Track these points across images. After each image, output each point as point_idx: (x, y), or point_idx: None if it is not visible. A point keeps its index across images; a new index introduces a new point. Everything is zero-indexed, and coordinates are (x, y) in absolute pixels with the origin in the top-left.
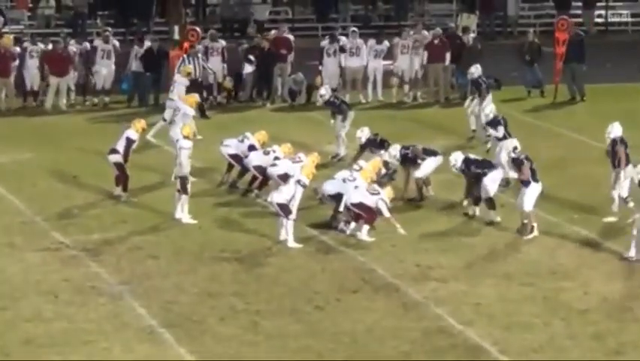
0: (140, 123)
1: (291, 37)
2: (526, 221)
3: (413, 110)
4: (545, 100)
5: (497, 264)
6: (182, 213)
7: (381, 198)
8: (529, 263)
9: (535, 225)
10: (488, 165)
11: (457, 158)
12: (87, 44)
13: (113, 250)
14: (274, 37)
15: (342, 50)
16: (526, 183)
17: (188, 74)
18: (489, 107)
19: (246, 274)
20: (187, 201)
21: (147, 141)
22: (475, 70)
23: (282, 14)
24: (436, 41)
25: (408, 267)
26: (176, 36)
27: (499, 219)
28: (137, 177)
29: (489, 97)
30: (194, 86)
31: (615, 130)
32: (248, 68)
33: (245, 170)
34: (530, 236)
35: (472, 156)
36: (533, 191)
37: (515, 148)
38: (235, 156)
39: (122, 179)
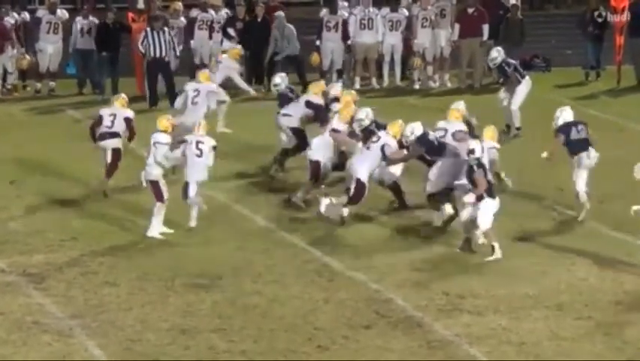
0: (169, 120)
1: None
2: (482, 241)
3: (439, 97)
4: (606, 85)
5: (547, 292)
6: (157, 224)
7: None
8: (587, 291)
9: (495, 245)
10: (439, 152)
11: (414, 129)
12: (26, 15)
13: (60, 275)
14: (266, 6)
15: (344, 21)
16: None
17: (240, 56)
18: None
19: (229, 306)
20: (163, 210)
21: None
22: (497, 53)
23: None
24: (470, 10)
25: (433, 296)
26: (141, 5)
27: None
28: (90, 182)
29: (524, 84)
30: (155, 68)
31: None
32: (227, 45)
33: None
34: (492, 258)
35: (432, 134)
36: (490, 207)
37: (472, 152)
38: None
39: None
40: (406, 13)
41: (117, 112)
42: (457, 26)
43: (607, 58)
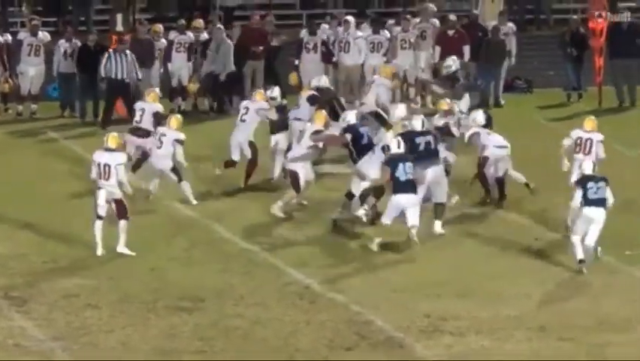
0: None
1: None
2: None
3: None
4: (587, 106)
5: (529, 313)
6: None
7: None
8: (570, 312)
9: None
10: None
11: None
12: (9, 37)
13: (42, 298)
14: (243, 29)
15: (324, 43)
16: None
17: (393, 75)
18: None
19: (211, 328)
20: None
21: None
22: (453, 62)
23: None
24: (450, 32)
25: (415, 317)
26: (119, 27)
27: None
28: (71, 205)
29: (465, 99)
30: (116, 90)
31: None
32: (206, 67)
33: None
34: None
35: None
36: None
37: (386, 148)
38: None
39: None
40: (388, 35)
41: (146, 106)
42: (437, 48)
43: (587, 79)
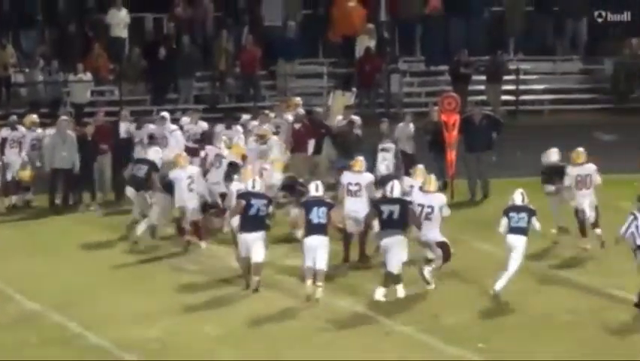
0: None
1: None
2: None
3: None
4: None
5: None
6: None
7: None
8: None
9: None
10: None
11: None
12: None
13: None
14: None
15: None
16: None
17: None
18: None
19: None
20: None
21: None
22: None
23: (106, 95)
24: (297, 126)
25: None
26: None
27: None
28: None
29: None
30: None
31: None
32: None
33: None
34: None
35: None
36: None
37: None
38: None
39: None
40: (241, 131)
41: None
42: (288, 142)
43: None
